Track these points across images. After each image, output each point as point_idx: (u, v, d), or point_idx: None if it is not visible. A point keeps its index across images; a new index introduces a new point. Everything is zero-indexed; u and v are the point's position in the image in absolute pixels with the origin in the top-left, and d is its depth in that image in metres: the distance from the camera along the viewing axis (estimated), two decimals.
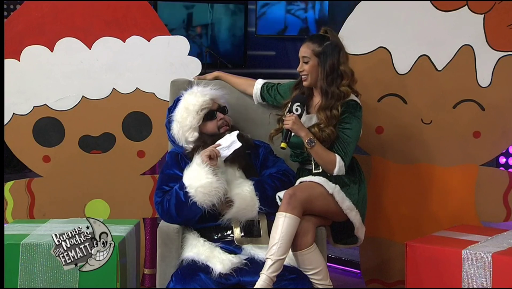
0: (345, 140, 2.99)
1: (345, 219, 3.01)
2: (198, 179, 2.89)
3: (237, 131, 3.03)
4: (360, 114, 3.04)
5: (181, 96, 3.20)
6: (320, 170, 3.05)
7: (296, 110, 2.99)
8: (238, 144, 2.98)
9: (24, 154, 3.71)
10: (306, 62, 3.05)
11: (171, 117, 3.18)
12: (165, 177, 3.07)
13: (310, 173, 3.07)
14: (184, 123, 3.11)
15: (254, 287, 2.70)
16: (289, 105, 3.03)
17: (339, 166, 2.97)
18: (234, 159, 3.03)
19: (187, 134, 3.12)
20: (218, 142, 3.02)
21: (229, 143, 2.99)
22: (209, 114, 3.11)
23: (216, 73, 3.49)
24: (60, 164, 3.69)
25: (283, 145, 2.98)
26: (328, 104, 3.00)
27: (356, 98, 3.06)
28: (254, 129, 3.35)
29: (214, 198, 2.88)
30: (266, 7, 7.00)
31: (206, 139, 3.08)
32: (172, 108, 3.21)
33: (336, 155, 2.98)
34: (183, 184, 2.92)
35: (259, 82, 3.35)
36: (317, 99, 3.11)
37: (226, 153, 2.98)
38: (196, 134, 3.11)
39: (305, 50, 3.05)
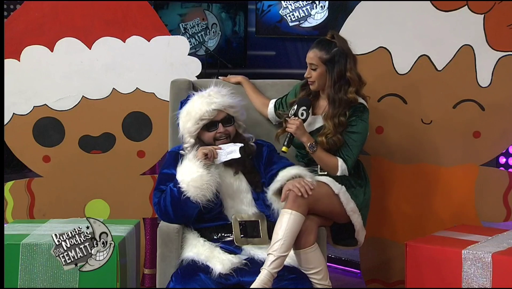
0: (350, 143, 2.99)
1: (347, 220, 3.01)
2: (189, 173, 2.88)
3: (241, 144, 3.01)
4: (366, 117, 3.04)
5: (194, 94, 3.13)
6: (326, 171, 3.05)
7: (302, 114, 2.99)
8: (237, 155, 2.96)
9: (24, 154, 3.71)
10: (314, 69, 3.03)
11: (179, 113, 3.14)
12: (164, 177, 3.07)
13: (316, 173, 3.07)
14: (185, 126, 3.09)
15: (255, 282, 2.69)
16: (295, 107, 3.03)
17: (341, 170, 2.98)
18: (230, 162, 3.01)
19: (185, 137, 3.11)
20: (220, 145, 3.02)
21: (230, 150, 2.98)
22: (209, 124, 3.05)
23: (240, 79, 3.46)
24: (60, 164, 3.69)
25: (284, 149, 2.98)
26: (335, 113, 2.99)
27: (363, 101, 3.06)
28: (254, 129, 3.34)
29: (206, 192, 2.87)
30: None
31: (198, 145, 3.04)
32: (183, 103, 3.15)
33: (338, 158, 2.98)
34: (177, 181, 2.91)
35: (272, 102, 3.33)
36: (323, 101, 3.11)
37: (223, 158, 2.97)
38: (192, 140, 3.07)
39: (312, 57, 3.03)
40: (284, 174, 2.93)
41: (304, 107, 3.00)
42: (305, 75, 3.08)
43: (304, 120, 3.00)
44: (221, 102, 3.05)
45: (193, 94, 3.13)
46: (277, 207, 2.91)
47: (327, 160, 2.99)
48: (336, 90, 3.00)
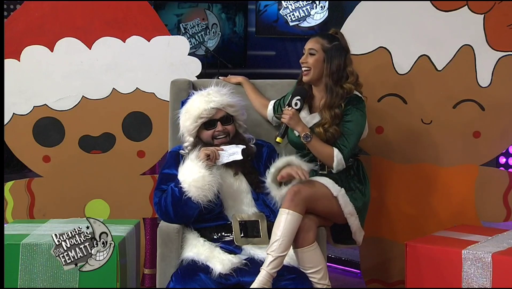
0: (345, 132, 2.98)
1: (345, 222, 3.01)
2: (191, 173, 2.88)
3: (243, 146, 3.01)
4: (362, 107, 3.03)
5: (194, 93, 3.15)
6: (326, 171, 3.05)
7: (296, 104, 2.99)
8: (239, 157, 2.96)
9: (24, 154, 3.71)
10: (312, 55, 3.03)
11: (180, 112, 3.15)
12: (164, 177, 3.07)
13: (316, 173, 3.07)
14: (184, 124, 3.10)
15: (254, 282, 2.69)
16: (289, 97, 3.03)
17: (337, 160, 2.96)
18: (230, 163, 3.01)
19: (184, 135, 3.12)
20: (222, 146, 3.02)
21: (232, 152, 2.98)
22: (208, 123, 3.06)
23: (240, 79, 3.47)
24: (60, 164, 3.69)
25: (278, 139, 2.99)
26: (332, 103, 2.99)
27: (358, 93, 3.06)
28: (254, 129, 3.34)
29: (208, 193, 2.86)
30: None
31: (199, 145, 3.03)
32: (184, 102, 3.16)
33: (334, 148, 2.97)
34: (178, 181, 2.91)
35: (271, 103, 3.33)
36: (318, 98, 3.11)
37: (225, 159, 2.97)
38: (191, 139, 3.09)
39: (313, 44, 3.04)
40: (281, 160, 2.95)
41: (298, 97, 2.99)
42: (300, 60, 3.07)
43: (298, 110, 2.99)
44: (220, 101, 3.06)
45: (193, 93, 3.14)
46: (275, 194, 2.92)
47: (322, 149, 2.98)
48: (335, 81, 3.00)
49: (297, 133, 3.03)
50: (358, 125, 3.01)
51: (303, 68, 3.07)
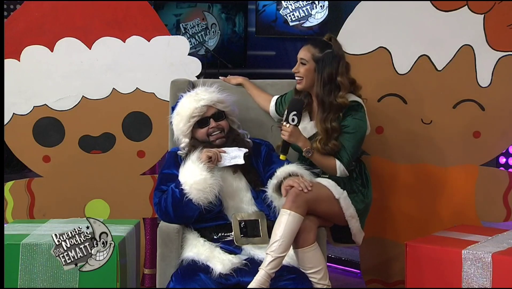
0: (345, 144, 2.97)
1: (346, 224, 3.01)
2: (192, 175, 2.88)
3: (246, 150, 3.01)
4: (361, 115, 3.02)
5: (183, 95, 3.18)
6: (328, 174, 3.05)
7: (293, 120, 2.95)
8: (241, 161, 2.96)
9: (24, 154, 3.71)
10: (303, 64, 3.03)
11: (172, 117, 3.17)
12: (164, 177, 3.07)
13: (318, 176, 3.06)
14: (178, 126, 3.11)
15: (252, 282, 2.70)
16: (285, 113, 3.00)
17: (339, 171, 2.97)
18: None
19: (179, 138, 3.13)
20: (224, 148, 3.01)
21: (234, 155, 2.98)
22: (201, 121, 3.07)
23: (241, 80, 3.48)
24: (60, 164, 3.69)
25: (282, 157, 2.98)
26: (327, 117, 2.97)
27: (357, 99, 3.04)
28: (254, 129, 3.35)
29: (209, 195, 2.87)
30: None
31: (197, 145, 3.05)
32: (174, 107, 3.19)
33: (336, 160, 2.97)
34: (179, 182, 2.91)
35: (274, 99, 3.34)
36: (316, 106, 3.10)
37: (226, 162, 2.97)
38: (186, 140, 3.09)
39: (304, 53, 3.04)
40: (282, 170, 2.93)
41: (295, 112, 2.95)
42: (293, 70, 3.07)
43: (296, 125, 2.96)
44: (209, 98, 3.09)
45: (182, 96, 3.15)
46: (278, 204, 2.91)
47: (325, 162, 2.98)
48: (326, 92, 2.98)
49: None
50: (356, 134, 3.00)
51: (296, 78, 3.08)
